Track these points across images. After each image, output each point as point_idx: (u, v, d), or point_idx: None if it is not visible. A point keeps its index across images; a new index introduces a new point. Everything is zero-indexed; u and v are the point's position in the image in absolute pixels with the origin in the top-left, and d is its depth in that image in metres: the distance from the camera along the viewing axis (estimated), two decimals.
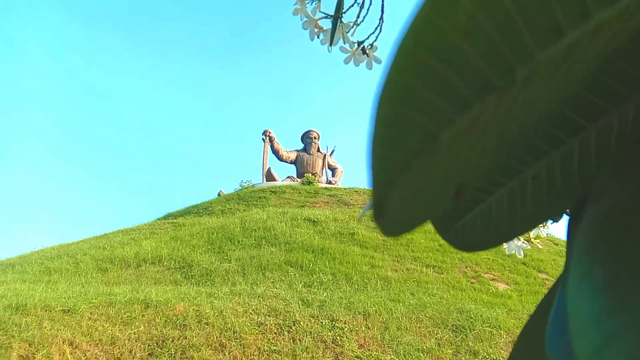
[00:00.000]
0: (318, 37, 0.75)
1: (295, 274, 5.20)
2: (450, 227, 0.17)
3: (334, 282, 5.07)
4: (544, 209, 0.17)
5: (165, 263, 5.48)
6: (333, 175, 14.60)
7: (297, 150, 15.09)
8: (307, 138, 15.08)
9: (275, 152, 14.23)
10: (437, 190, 0.13)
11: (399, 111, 0.11)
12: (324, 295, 4.38)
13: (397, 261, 5.95)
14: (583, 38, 0.11)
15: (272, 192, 10.64)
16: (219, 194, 11.75)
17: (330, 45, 0.76)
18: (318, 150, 15.16)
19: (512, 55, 0.11)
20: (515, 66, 0.11)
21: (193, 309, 3.66)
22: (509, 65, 0.11)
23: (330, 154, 15.27)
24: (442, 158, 0.12)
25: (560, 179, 0.16)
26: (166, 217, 9.75)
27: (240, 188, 11.87)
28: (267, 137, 14.06)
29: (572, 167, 0.16)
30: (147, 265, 5.40)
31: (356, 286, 5.01)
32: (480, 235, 0.17)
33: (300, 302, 4.07)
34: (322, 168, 14.74)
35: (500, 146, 0.13)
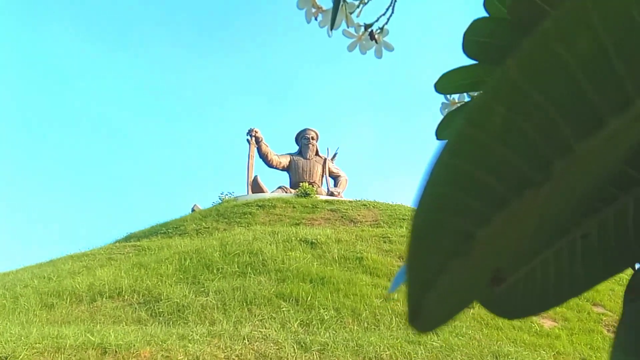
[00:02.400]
0: (316, 19, 0.77)
1: (289, 310, 5.19)
2: (490, 292, 0.19)
3: (337, 320, 5.06)
4: (596, 270, 0.19)
5: (126, 297, 5.47)
6: (335, 185, 14.66)
7: (291, 154, 15.10)
8: (302, 138, 15.04)
9: (264, 156, 14.23)
10: (473, 282, 0.15)
11: (434, 218, 0.14)
12: (326, 336, 4.37)
13: None
14: (624, 124, 0.13)
15: (260, 206, 10.65)
16: (193, 210, 11.75)
17: (331, 29, 0.78)
18: (316, 153, 15.17)
19: (550, 149, 0.14)
20: (553, 159, 0.14)
21: (162, 355, 3.66)
22: (546, 160, 0.14)
23: (332, 159, 15.29)
24: (478, 254, 0.14)
25: (613, 238, 0.18)
26: (127, 238, 9.75)
27: (220, 202, 11.90)
28: (253, 138, 14.05)
29: (627, 225, 0.18)
30: (104, 299, 5.39)
31: (366, 324, 5.00)
32: (524, 301, 0.19)
33: (295, 346, 4.07)
34: (322, 176, 14.77)
35: (540, 228, 0.16)
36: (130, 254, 7.38)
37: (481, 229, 0.14)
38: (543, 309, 0.19)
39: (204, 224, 9.65)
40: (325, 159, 14.73)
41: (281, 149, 14.93)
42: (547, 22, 0.13)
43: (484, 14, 0.44)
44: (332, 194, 13.25)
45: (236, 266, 6.30)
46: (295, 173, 14.28)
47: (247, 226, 9.05)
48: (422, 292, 0.15)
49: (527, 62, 0.13)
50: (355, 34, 0.78)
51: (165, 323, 4.88)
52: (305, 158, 14.40)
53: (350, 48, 0.77)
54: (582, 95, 0.13)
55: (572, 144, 0.13)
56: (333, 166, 15.06)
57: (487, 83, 0.14)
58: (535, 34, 0.13)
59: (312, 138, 14.78)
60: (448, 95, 0.65)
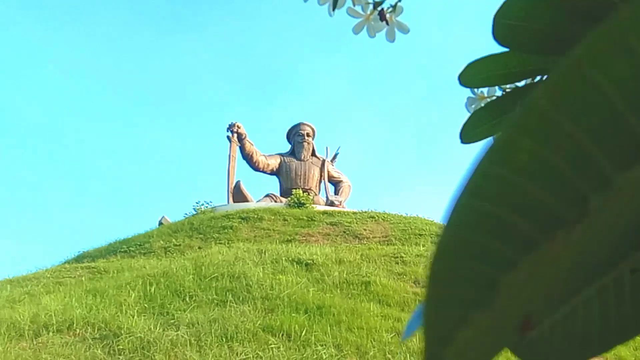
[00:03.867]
0: None
1: (279, 347, 5.19)
2: (522, 338, 0.20)
3: (339, 359, 5.05)
4: None
5: (78, 331, 5.46)
6: (336, 193, 14.63)
7: (281, 155, 15.07)
8: (296, 135, 15.01)
9: (248, 157, 14.18)
10: (499, 332, 0.16)
11: (453, 264, 0.15)
12: None
13: None
14: None
15: (243, 218, 10.62)
16: (160, 223, 11.73)
17: (333, 8, 0.79)
18: (313, 154, 15.14)
19: (585, 184, 0.14)
20: (588, 195, 0.15)
21: None
22: (580, 196, 0.15)
23: (332, 160, 15.26)
24: (503, 302, 0.15)
25: None
26: (79, 258, 9.73)
27: (194, 213, 11.89)
28: (235, 135, 14.00)
29: None
30: (51, 334, 5.38)
31: None
32: (563, 347, 0.19)
33: None
34: (320, 181, 14.74)
35: (577, 268, 0.17)
36: (83, 278, 7.37)
37: (506, 274, 0.15)
38: (586, 357, 0.20)
39: (174, 240, 9.63)
40: (323, 161, 14.74)
41: (270, 148, 14.96)
42: (579, 48, 0.14)
43: None
44: (332, 204, 13.25)
45: (214, 293, 6.29)
46: (286, 178, 14.28)
47: (228, 243, 9.03)
48: (441, 347, 0.15)
49: (558, 91, 0.14)
50: (363, 12, 0.79)
51: None
52: (299, 159, 14.40)
53: (357, 30, 0.77)
54: (621, 123, 0.14)
55: (611, 177, 0.14)
56: (333, 169, 15.06)
57: (511, 116, 0.15)
58: (567, 60, 0.14)
59: (308, 135, 14.77)
60: (475, 89, 0.66)
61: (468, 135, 0.60)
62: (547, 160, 0.14)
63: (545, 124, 0.14)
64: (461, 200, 0.14)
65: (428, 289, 0.15)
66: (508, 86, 0.61)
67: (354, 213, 11.28)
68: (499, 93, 0.63)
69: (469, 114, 0.59)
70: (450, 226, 0.15)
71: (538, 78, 0.55)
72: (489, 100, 0.65)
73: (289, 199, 12.42)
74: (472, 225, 0.14)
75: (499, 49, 0.49)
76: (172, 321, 5.69)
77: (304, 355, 5.08)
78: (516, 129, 0.14)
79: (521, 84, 0.57)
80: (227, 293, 6.29)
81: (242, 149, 14.15)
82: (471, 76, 0.56)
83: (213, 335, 5.37)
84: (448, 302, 0.15)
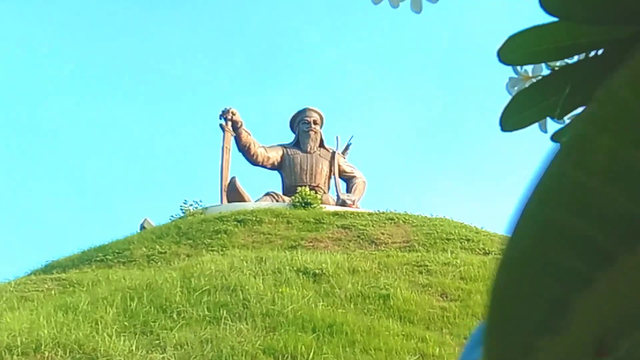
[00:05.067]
0: None
1: None
2: None
3: None
4: None
5: (46, 354, 5.48)
6: (348, 190, 14.55)
7: (284, 146, 14.97)
8: (301, 123, 14.93)
9: (244, 148, 14.14)
10: (571, 359, 0.16)
11: (519, 283, 0.14)
12: None
13: None
14: None
15: (239, 221, 10.60)
16: (142, 227, 11.72)
17: None
18: (321, 145, 15.06)
19: None
20: None
21: None
22: None
23: (344, 152, 15.22)
24: (576, 325, 0.15)
25: None
26: (48, 269, 9.74)
27: (182, 215, 11.97)
28: (229, 123, 13.99)
29: None
30: (15, 357, 5.40)
31: None
32: None
33: None
34: (329, 177, 14.67)
35: None
36: (53, 291, 7.39)
37: (581, 293, 0.15)
38: None
39: (158, 247, 9.63)
40: (333, 153, 14.72)
41: (270, 138, 14.97)
42: None
43: None
44: (343, 203, 13.24)
45: (205, 309, 6.30)
46: (290, 173, 14.26)
47: (221, 250, 9.03)
48: None
49: None
50: None
51: None
52: (305, 151, 14.38)
53: (376, 0, 0.77)
54: None
55: None
56: (345, 163, 15.04)
57: (585, 109, 0.14)
58: None
59: (315, 122, 14.76)
60: (518, 67, 0.66)
61: (509, 121, 0.59)
62: (630, 161, 0.14)
63: (627, 116, 0.14)
64: (529, 207, 0.14)
65: (489, 311, 0.15)
66: (557, 63, 0.60)
67: (370, 214, 11.26)
68: (546, 72, 0.63)
69: (510, 97, 0.58)
70: (516, 237, 0.15)
71: (593, 53, 0.55)
72: (534, 80, 0.64)
73: (293, 198, 12.42)
74: (540, 236, 0.14)
75: (546, 18, 0.49)
76: (156, 342, 5.70)
77: None
78: (592, 124, 0.14)
79: (572, 60, 0.57)
80: (221, 309, 6.29)
81: (238, 139, 14.13)
82: (513, 51, 0.55)
83: (205, 357, 5.38)
84: (513, 326, 0.15)
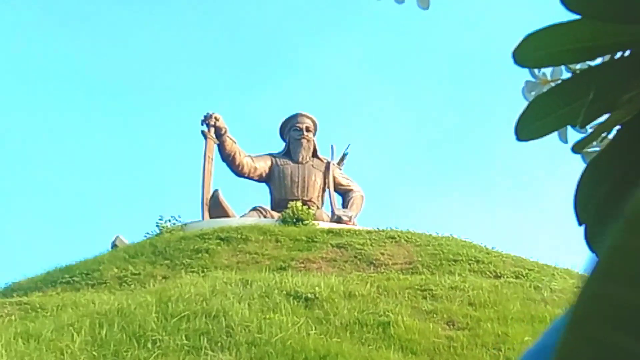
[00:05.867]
0: None
1: None
2: None
3: None
4: None
5: None
6: (345, 205, 14.61)
7: (273, 155, 14.98)
8: (292, 130, 14.91)
9: (229, 158, 14.05)
10: None
11: None
12: None
13: None
14: None
15: (222, 239, 10.53)
16: (114, 245, 11.67)
17: None
18: (314, 154, 15.09)
19: None
20: None
21: None
22: None
23: (340, 163, 15.19)
24: None
25: None
26: (7, 292, 9.69)
27: (159, 232, 11.96)
28: (212, 129, 13.92)
29: None
30: None
31: None
32: None
33: None
34: (324, 190, 14.62)
35: None
36: (13, 317, 7.37)
37: None
38: None
39: (131, 268, 9.61)
40: (328, 163, 14.74)
41: (258, 147, 14.97)
42: None
43: None
44: (339, 220, 13.23)
45: (184, 337, 6.28)
46: (279, 185, 14.24)
47: (202, 272, 9.00)
48: None
49: None
50: None
51: None
52: (297, 161, 14.35)
53: None
54: None
55: None
56: (341, 175, 15.06)
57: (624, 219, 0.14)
58: None
59: (308, 129, 14.75)
60: (535, 70, 0.65)
61: (526, 130, 0.59)
62: None
63: None
64: (589, 285, 0.14)
65: None
66: (578, 66, 0.60)
67: (368, 232, 11.28)
68: (566, 75, 0.63)
69: (527, 103, 0.58)
70: (577, 322, 0.15)
71: (619, 55, 0.54)
72: (553, 84, 0.64)
73: (283, 213, 12.44)
74: (608, 320, 0.14)
75: (566, 16, 0.49)
76: None
77: None
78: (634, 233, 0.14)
79: (596, 62, 0.56)
80: (202, 337, 6.28)
81: (222, 147, 14.14)
82: (530, 52, 0.55)
83: None
84: None
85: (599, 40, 0.52)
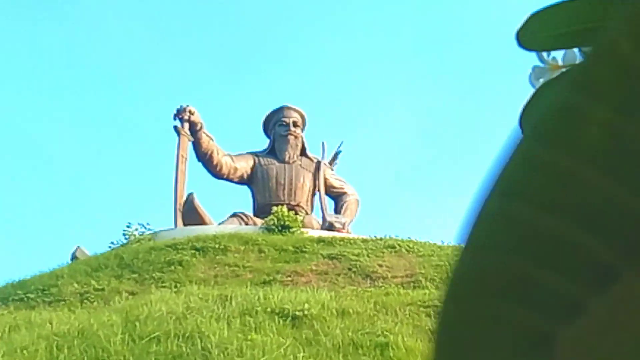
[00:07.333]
0: None
1: None
2: None
3: None
4: None
5: None
6: (337, 211, 14.70)
7: (255, 154, 14.98)
8: (278, 125, 14.84)
9: (205, 157, 14.02)
10: None
11: (484, 312, 0.14)
12: None
13: None
14: None
15: (198, 249, 10.50)
16: (74, 257, 11.66)
17: None
18: (303, 152, 15.05)
19: None
20: None
21: None
22: None
23: (331, 162, 15.20)
24: None
25: None
26: None
27: (126, 242, 12.00)
28: (186, 124, 13.89)
29: None
30: None
31: None
32: None
33: None
34: (314, 193, 14.61)
35: None
36: None
37: (567, 326, 0.14)
38: None
39: (94, 282, 9.59)
40: (318, 163, 14.75)
41: (238, 145, 14.96)
42: None
43: None
44: (331, 227, 13.23)
45: None
46: (263, 188, 14.24)
47: (175, 287, 9.00)
48: None
49: None
50: None
51: None
52: (282, 160, 14.36)
53: None
54: None
55: None
56: (333, 176, 15.08)
57: (570, 69, 0.14)
58: None
59: (295, 124, 14.76)
60: (544, 54, 0.65)
61: (529, 120, 0.59)
62: (634, 141, 0.13)
63: (628, 79, 0.13)
64: (489, 205, 0.13)
65: (438, 349, 0.14)
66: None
67: (364, 241, 11.30)
68: (578, 59, 0.62)
69: (533, 91, 0.58)
70: (472, 248, 0.13)
71: None
72: (564, 70, 0.64)
73: (267, 219, 12.44)
74: (512, 247, 0.13)
75: None
76: None
77: None
78: (580, 91, 0.13)
79: None
80: None
81: (197, 145, 14.10)
82: (535, 33, 0.55)
83: None
84: None
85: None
